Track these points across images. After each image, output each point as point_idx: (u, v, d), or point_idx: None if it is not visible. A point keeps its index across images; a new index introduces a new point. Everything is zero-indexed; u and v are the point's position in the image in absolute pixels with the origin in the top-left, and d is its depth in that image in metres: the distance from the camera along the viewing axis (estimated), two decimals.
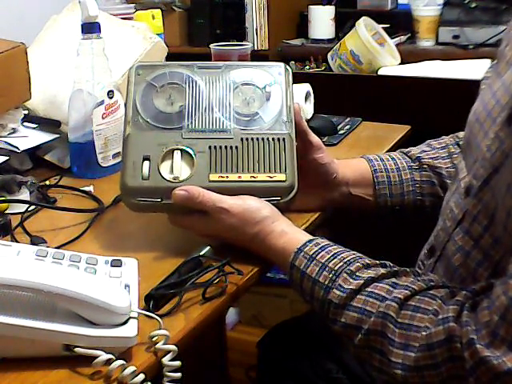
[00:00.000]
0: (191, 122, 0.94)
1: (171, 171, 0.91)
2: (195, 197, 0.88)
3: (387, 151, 1.31)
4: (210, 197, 0.88)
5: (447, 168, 1.05)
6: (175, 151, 0.92)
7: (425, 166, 1.05)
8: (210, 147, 0.92)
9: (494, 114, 0.81)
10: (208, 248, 0.85)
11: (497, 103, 0.82)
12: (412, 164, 1.06)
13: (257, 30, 2.58)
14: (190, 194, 0.88)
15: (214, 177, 0.90)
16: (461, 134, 1.03)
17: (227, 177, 0.90)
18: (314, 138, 1.01)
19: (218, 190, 0.89)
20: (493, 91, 0.84)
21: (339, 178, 1.03)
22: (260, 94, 0.97)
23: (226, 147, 0.92)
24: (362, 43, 2.11)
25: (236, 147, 0.93)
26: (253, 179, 0.91)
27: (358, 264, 0.79)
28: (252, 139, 0.93)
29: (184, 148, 0.92)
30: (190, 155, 0.92)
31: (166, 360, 0.70)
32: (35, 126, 1.26)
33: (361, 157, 1.09)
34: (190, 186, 0.89)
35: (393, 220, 1.12)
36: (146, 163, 0.91)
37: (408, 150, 1.09)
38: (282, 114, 0.96)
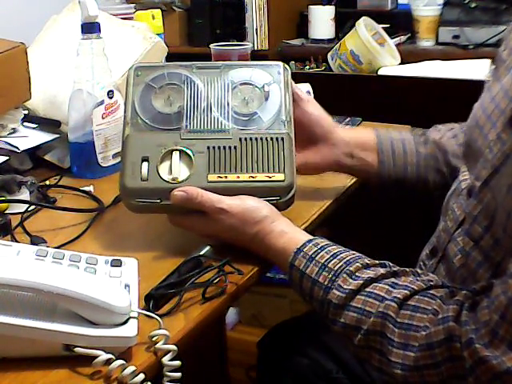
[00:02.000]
0: (190, 123, 0.94)
1: (170, 172, 0.91)
2: (194, 197, 0.88)
3: None
4: (208, 197, 0.88)
5: (452, 147, 1.05)
6: (174, 152, 0.92)
7: (430, 141, 1.06)
8: (208, 148, 0.92)
9: (494, 118, 0.81)
10: (208, 248, 0.85)
11: (496, 107, 0.82)
12: (417, 138, 1.07)
13: (257, 30, 2.57)
14: (188, 195, 0.88)
15: (212, 177, 0.90)
16: None
17: (226, 177, 0.90)
18: (303, 93, 1.02)
19: (216, 190, 0.89)
20: (492, 95, 0.84)
21: (340, 135, 1.04)
22: (259, 94, 0.97)
23: (224, 147, 0.92)
24: (362, 43, 2.10)
25: (235, 147, 0.93)
26: (251, 179, 0.91)
27: (358, 264, 0.79)
28: (250, 139, 0.93)
29: (182, 149, 0.92)
30: (189, 156, 0.92)
31: (165, 360, 0.70)
32: (35, 125, 1.26)
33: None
34: (188, 187, 0.89)
35: (395, 194, 1.11)
36: (145, 164, 0.91)
37: (415, 128, 1.10)
38: (280, 114, 0.96)
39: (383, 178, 1.05)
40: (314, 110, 1.03)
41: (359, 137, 1.06)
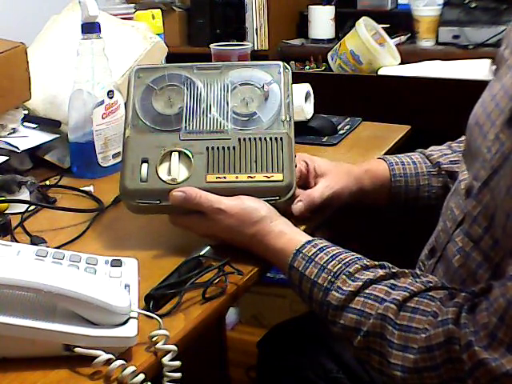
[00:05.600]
0: (189, 124, 0.95)
1: (169, 173, 0.91)
2: (192, 198, 0.88)
3: (387, 151, 1.31)
4: (207, 198, 0.88)
5: None
6: (173, 153, 0.92)
7: (443, 172, 1.06)
8: (207, 148, 0.93)
9: (494, 117, 0.81)
10: (208, 248, 0.85)
11: (496, 106, 0.82)
12: (431, 170, 1.07)
13: (257, 29, 2.58)
14: (187, 196, 0.88)
15: (211, 178, 0.90)
16: None
17: (224, 177, 0.90)
18: (302, 156, 1.03)
19: (215, 190, 0.89)
20: (492, 94, 0.84)
21: (345, 184, 1.03)
22: (259, 94, 0.97)
23: (223, 148, 0.92)
24: (362, 43, 2.11)
25: (233, 148, 0.93)
26: (250, 179, 0.91)
27: (357, 265, 0.79)
28: (249, 139, 0.93)
29: (182, 150, 0.92)
30: (188, 157, 0.92)
31: (165, 360, 0.70)
32: (35, 125, 1.26)
33: (382, 158, 1.09)
34: (187, 188, 0.89)
35: (404, 215, 1.13)
36: (145, 165, 0.91)
37: (430, 152, 1.09)
38: (280, 113, 0.96)
39: (393, 208, 1.08)
40: (316, 167, 1.03)
41: (375, 182, 1.06)
